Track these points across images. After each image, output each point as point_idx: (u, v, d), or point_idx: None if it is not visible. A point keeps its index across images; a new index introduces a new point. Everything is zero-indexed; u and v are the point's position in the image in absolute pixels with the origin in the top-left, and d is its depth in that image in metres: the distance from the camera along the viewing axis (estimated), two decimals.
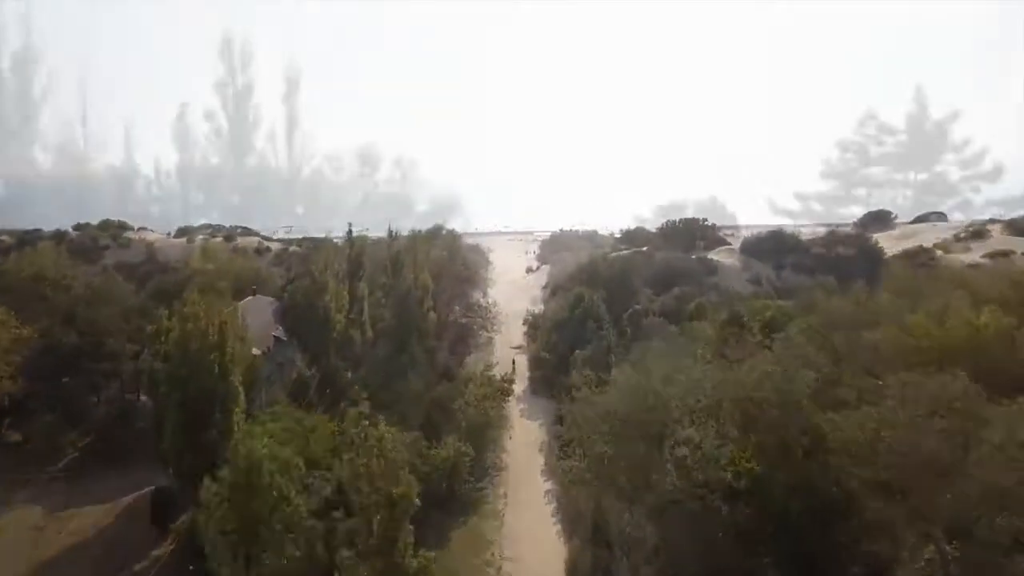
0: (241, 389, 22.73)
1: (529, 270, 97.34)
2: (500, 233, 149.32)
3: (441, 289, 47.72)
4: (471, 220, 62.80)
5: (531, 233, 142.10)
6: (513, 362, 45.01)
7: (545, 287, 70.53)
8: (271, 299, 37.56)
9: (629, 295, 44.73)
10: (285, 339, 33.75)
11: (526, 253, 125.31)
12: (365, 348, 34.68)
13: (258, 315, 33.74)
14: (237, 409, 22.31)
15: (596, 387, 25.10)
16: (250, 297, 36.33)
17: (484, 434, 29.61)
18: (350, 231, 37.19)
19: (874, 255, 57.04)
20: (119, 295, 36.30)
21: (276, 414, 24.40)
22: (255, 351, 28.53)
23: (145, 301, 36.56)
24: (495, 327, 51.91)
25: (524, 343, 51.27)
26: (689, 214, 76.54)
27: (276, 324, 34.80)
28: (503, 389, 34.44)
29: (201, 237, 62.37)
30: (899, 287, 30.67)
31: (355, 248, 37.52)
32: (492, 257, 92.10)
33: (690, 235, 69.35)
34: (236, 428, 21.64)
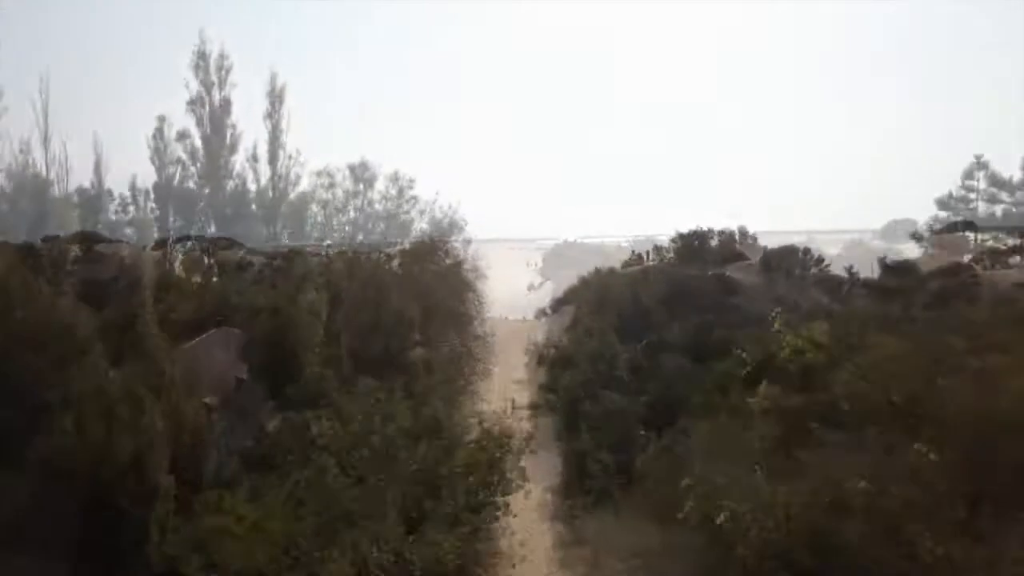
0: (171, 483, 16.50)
1: (531, 287, 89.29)
2: (498, 241, 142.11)
3: (434, 310, 41.67)
4: (469, 229, 55.14)
5: (533, 241, 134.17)
6: (512, 402, 38.76)
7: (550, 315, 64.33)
8: (238, 332, 31.85)
9: (642, 319, 37.24)
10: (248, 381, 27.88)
11: (527, 265, 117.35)
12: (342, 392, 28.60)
13: (222, 352, 27.98)
14: (160, 507, 16.13)
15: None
16: (214, 330, 30.59)
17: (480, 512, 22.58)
18: (327, 249, 31.24)
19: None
20: (61, 334, 30.62)
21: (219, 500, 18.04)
22: (208, 400, 22.68)
23: (88, 340, 30.90)
24: (493, 359, 44.72)
25: (527, 375, 43.65)
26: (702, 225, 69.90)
27: (242, 362, 28.95)
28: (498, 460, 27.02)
29: (180, 249, 56.93)
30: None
31: (335, 269, 32.01)
32: (490, 272, 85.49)
33: (705, 249, 62.58)
34: (159, 533, 15.38)
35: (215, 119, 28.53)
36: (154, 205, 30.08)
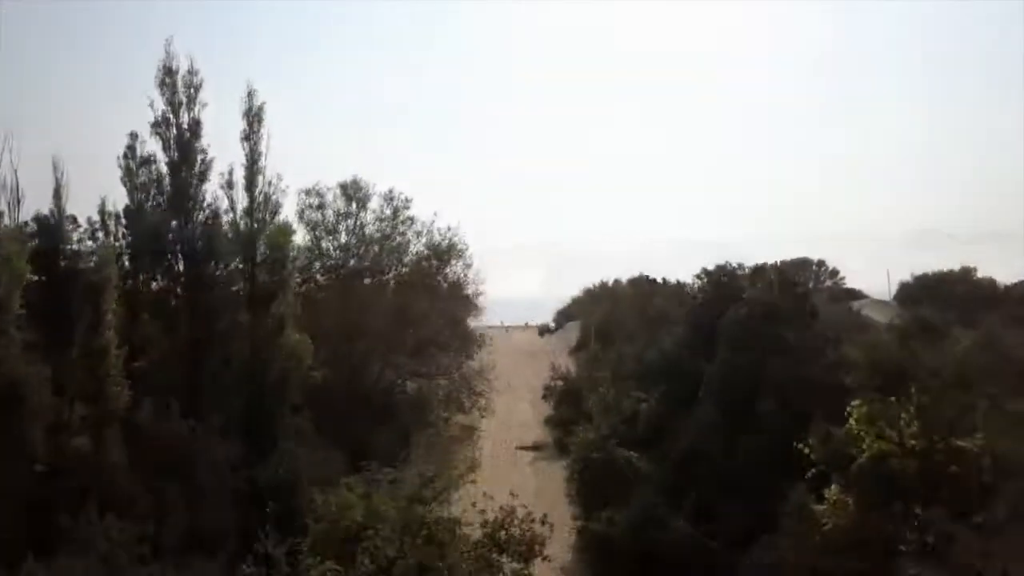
0: None
1: (545, 330, 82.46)
2: (504, 251, 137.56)
3: (430, 340, 38.76)
4: (470, 252, 50.79)
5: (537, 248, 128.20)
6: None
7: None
8: None
9: (665, 359, 32.13)
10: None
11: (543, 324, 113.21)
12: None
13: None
14: None
15: None
16: None
17: None
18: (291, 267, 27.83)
19: None
20: None
21: None
22: None
23: None
24: (494, 387, 40.85)
25: (538, 441, 39.11)
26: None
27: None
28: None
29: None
30: None
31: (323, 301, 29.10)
32: (494, 275, 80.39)
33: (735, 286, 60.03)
34: None
35: (183, 143, 25.27)
36: (126, 231, 26.79)
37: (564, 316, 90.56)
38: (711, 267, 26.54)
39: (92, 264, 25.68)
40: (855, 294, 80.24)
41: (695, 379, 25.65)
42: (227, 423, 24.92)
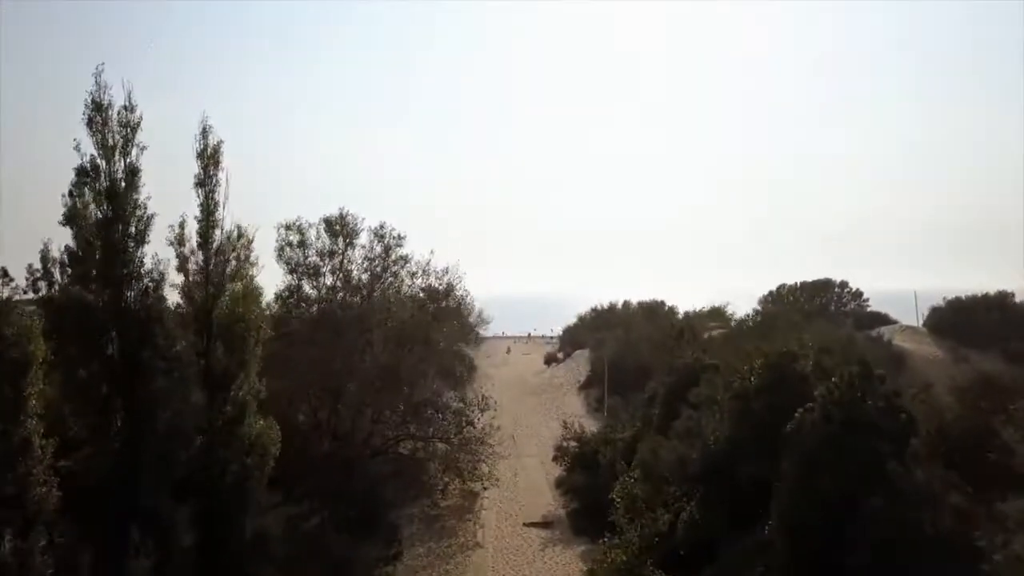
0: None
1: (552, 360, 74.27)
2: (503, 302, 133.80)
3: (427, 403, 34.23)
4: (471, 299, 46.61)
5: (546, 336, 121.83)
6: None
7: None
8: None
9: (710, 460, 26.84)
10: None
11: (547, 337, 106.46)
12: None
13: None
14: None
15: None
16: None
17: None
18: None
19: None
20: None
21: None
22: None
23: None
24: (488, 477, 35.89)
25: (548, 515, 33.53)
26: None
27: None
28: None
29: None
30: None
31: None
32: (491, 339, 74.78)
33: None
34: None
35: (116, 195, 20.38)
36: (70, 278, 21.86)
37: (570, 336, 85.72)
38: (769, 356, 21.52)
39: (10, 336, 20.71)
40: (882, 319, 75.36)
41: (747, 487, 20.86)
42: (167, 542, 20.09)
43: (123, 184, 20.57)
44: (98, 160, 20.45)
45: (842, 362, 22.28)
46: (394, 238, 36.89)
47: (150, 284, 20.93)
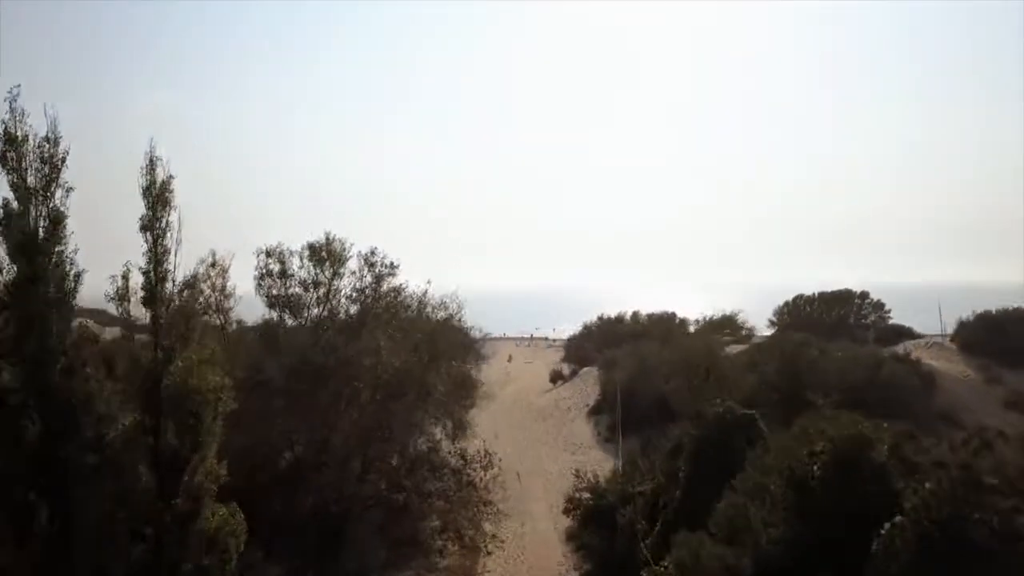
0: None
1: (558, 378, 66.80)
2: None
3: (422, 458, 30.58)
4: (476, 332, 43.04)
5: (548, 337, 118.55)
6: None
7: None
8: None
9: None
10: None
11: (550, 340, 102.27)
12: None
13: None
14: None
15: None
16: None
17: None
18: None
19: None
20: None
21: None
22: None
23: None
24: (491, 539, 31.87)
25: (562, 574, 30.20)
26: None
27: None
28: None
29: None
30: None
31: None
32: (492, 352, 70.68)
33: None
34: None
35: (33, 247, 16.38)
36: None
37: (575, 348, 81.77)
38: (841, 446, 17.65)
39: None
40: (906, 332, 71.33)
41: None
42: None
43: (43, 235, 16.62)
44: (11, 206, 16.47)
45: (922, 449, 18.47)
46: (385, 266, 32.92)
47: (76, 359, 16.93)
